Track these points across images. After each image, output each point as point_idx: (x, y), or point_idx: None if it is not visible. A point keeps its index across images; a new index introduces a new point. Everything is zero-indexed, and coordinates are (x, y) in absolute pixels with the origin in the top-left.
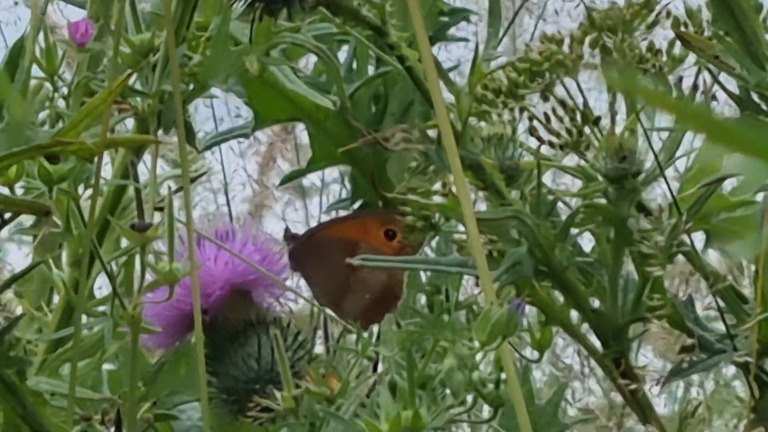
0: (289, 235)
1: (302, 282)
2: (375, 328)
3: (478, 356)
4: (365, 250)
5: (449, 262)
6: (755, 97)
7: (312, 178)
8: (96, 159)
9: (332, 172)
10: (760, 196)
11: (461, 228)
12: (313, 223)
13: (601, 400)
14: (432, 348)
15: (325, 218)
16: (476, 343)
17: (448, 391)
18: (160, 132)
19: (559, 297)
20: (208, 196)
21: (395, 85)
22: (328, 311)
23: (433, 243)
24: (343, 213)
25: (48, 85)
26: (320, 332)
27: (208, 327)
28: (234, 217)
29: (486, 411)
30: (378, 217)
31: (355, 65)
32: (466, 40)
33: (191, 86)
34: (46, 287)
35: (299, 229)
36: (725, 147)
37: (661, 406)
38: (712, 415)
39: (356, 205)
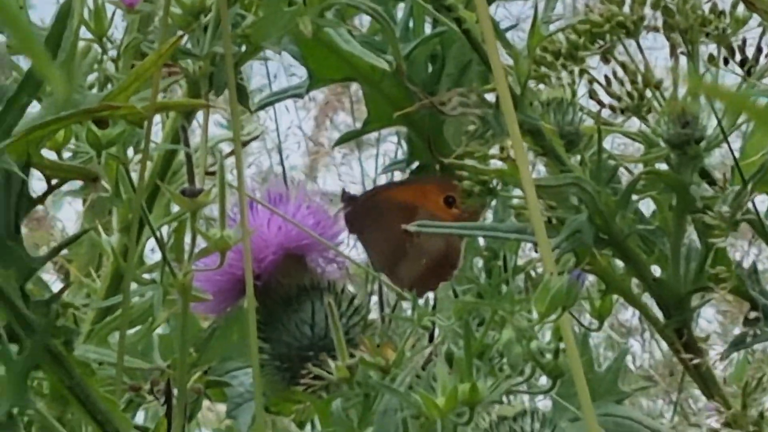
0: (346, 197)
1: (358, 245)
2: (431, 296)
3: (537, 326)
4: (423, 216)
5: (507, 228)
6: None
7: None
8: (146, 123)
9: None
10: None
11: (519, 193)
12: (369, 182)
13: (661, 361)
14: (490, 319)
15: (381, 178)
16: (535, 314)
17: (505, 360)
18: (211, 95)
19: (620, 265)
20: (262, 155)
21: (452, 45)
22: (384, 277)
23: (492, 208)
24: (398, 175)
25: (97, 47)
26: (375, 298)
27: (260, 292)
28: (288, 178)
29: (544, 380)
30: (437, 183)
31: (411, 24)
32: None
33: (243, 48)
34: (96, 252)
35: (355, 189)
36: None
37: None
38: None
39: (412, 167)
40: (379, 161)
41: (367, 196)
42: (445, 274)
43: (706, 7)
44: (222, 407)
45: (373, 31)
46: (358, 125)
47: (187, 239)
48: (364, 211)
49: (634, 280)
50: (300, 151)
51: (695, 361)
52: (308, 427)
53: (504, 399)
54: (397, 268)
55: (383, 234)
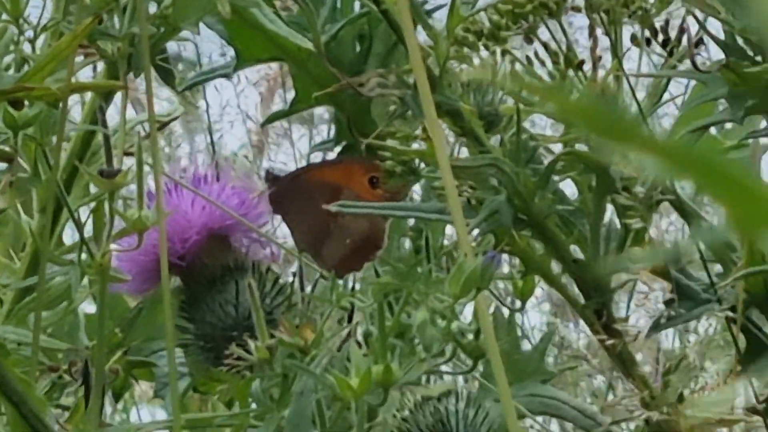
0: (270, 177)
1: (283, 226)
2: (353, 277)
3: (458, 307)
4: (348, 196)
5: (428, 208)
6: (741, 42)
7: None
8: (61, 104)
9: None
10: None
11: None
12: (302, 163)
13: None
14: (404, 300)
15: (311, 159)
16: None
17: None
18: (131, 77)
19: (540, 246)
20: (198, 136)
21: (380, 25)
22: (306, 257)
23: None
24: (328, 156)
25: (13, 27)
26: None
27: (185, 273)
28: (221, 158)
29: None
30: (363, 163)
31: (339, 4)
32: None
33: (162, 29)
34: (20, 233)
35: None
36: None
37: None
38: (704, 363)
39: (339, 148)
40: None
41: (292, 176)
42: (370, 254)
43: None
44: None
45: (302, 11)
46: None
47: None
48: (289, 192)
49: (555, 262)
50: (244, 130)
51: (610, 342)
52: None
53: (432, 380)
54: (321, 248)
55: (308, 214)
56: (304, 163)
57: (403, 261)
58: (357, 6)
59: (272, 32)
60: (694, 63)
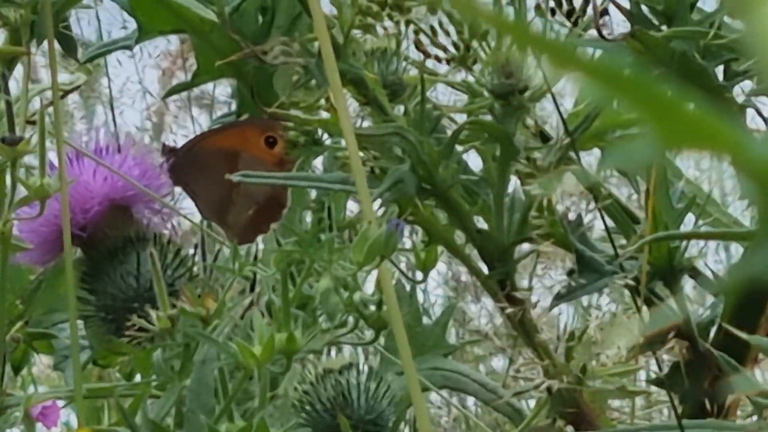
0: (167, 149)
1: (184, 198)
2: (255, 246)
3: (362, 277)
4: (246, 160)
5: (331, 179)
6: (646, 12)
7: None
8: None
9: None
10: None
11: (345, 144)
12: None
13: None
14: (308, 269)
15: None
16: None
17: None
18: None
19: (444, 216)
20: (99, 108)
21: None
22: (209, 227)
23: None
24: None
25: None
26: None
27: (86, 244)
28: (122, 131)
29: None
30: (257, 125)
31: None
32: None
33: None
34: None
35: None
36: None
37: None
38: (610, 338)
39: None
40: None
41: (188, 146)
42: (275, 216)
43: None
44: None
45: None
46: None
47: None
48: (187, 162)
49: (459, 232)
50: (135, 107)
51: (511, 310)
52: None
53: (333, 352)
54: (225, 216)
55: (208, 183)
56: None
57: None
58: None
59: (175, 3)
60: (600, 32)
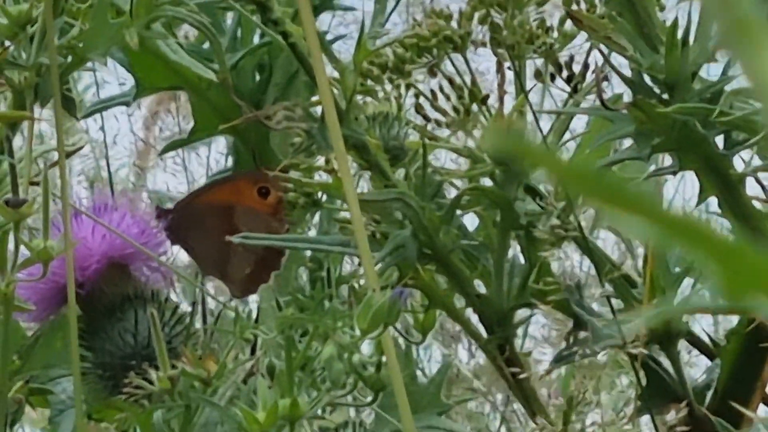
0: (159, 212)
1: (182, 255)
2: (255, 307)
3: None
4: (241, 213)
5: (331, 241)
6: (648, 80)
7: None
8: None
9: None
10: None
11: (344, 206)
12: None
13: (488, 367)
14: (312, 335)
15: None
16: (357, 331)
17: (327, 374)
18: (37, 106)
19: (443, 280)
20: (89, 161)
21: (280, 55)
22: (208, 286)
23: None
24: None
25: None
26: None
27: (84, 301)
28: (115, 186)
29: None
30: (249, 177)
31: (240, 33)
32: (353, 9)
33: (69, 58)
34: None
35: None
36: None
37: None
38: (599, 398)
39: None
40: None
41: (183, 204)
42: (275, 264)
43: (534, 23)
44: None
45: (201, 40)
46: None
47: (11, 250)
48: (183, 220)
49: (458, 296)
50: (128, 155)
51: (516, 375)
52: None
53: (328, 410)
54: (226, 269)
55: (206, 239)
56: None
57: (303, 292)
58: (257, 36)
59: (172, 61)
60: (602, 100)
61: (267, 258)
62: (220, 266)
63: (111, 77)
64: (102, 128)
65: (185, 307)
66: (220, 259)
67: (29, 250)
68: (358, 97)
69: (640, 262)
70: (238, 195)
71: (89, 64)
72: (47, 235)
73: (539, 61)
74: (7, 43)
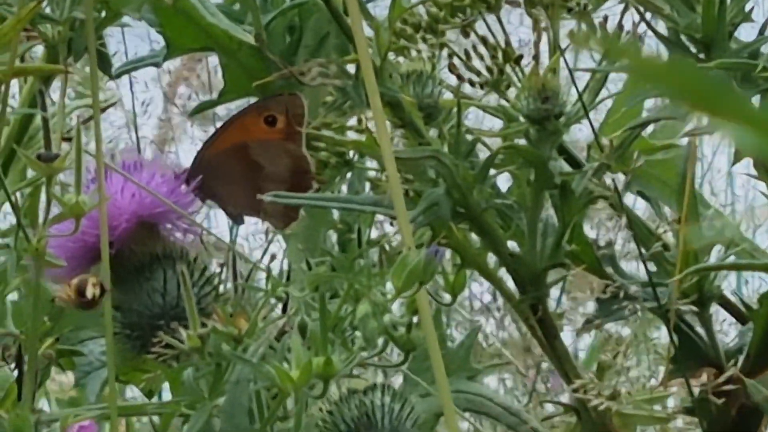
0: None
1: (212, 214)
2: (285, 267)
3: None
4: (255, 147)
5: (363, 200)
6: (684, 40)
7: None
8: (3, 87)
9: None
10: (683, 141)
11: (375, 165)
12: None
13: (518, 341)
14: (346, 293)
15: None
16: (391, 290)
17: (358, 333)
18: (70, 60)
19: (476, 240)
20: (114, 131)
21: (311, 17)
22: (238, 248)
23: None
24: None
25: None
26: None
27: (112, 260)
28: (141, 150)
29: (396, 355)
30: (252, 110)
31: None
32: None
33: (103, 13)
34: None
35: None
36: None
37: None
38: (629, 363)
39: None
40: None
41: (198, 158)
42: (307, 184)
43: None
44: (64, 378)
45: (231, 1)
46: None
47: (42, 204)
48: (203, 173)
49: (491, 255)
50: (151, 124)
51: (549, 336)
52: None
53: (356, 372)
54: (261, 204)
55: (230, 184)
56: None
57: (334, 254)
58: None
59: (204, 21)
60: None
61: (297, 180)
62: (254, 205)
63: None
64: (131, 91)
65: (214, 268)
66: (251, 199)
67: (61, 205)
68: (392, 56)
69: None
70: (246, 132)
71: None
72: (80, 190)
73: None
74: None
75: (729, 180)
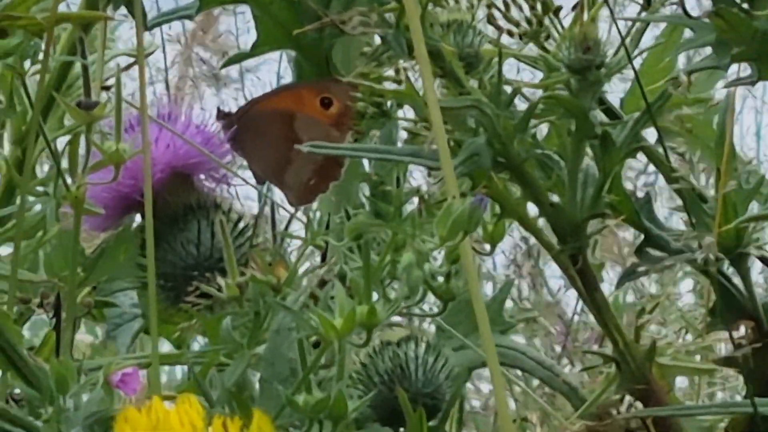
0: (222, 114)
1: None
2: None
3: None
4: (302, 121)
5: (401, 151)
6: None
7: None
8: (45, 34)
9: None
10: (717, 94)
11: (412, 116)
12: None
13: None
14: (391, 241)
15: None
16: (436, 238)
17: (395, 284)
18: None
19: (516, 190)
20: (136, 86)
21: None
22: (276, 197)
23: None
24: None
25: None
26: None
27: None
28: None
29: (427, 306)
30: (313, 86)
31: None
32: None
33: None
34: None
35: None
36: None
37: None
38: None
39: None
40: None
41: (243, 110)
42: (335, 173)
43: None
44: (83, 337)
45: None
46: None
47: (82, 152)
48: (242, 126)
49: (530, 206)
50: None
51: (589, 286)
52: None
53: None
54: (284, 177)
55: (265, 146)
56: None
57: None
58: None
59: None
60: (684, 8)
61: (326, 167)
62: (279, 174)
63: None
64: (163, 44)
65: (249, 219)
66: (278, 167)
67: (101, 153)
68: (430, 7)
69: (703, 179)
70: (300, 103)
71: None
72: (120, 137)
73: None
74: None
75: (757, 139)
